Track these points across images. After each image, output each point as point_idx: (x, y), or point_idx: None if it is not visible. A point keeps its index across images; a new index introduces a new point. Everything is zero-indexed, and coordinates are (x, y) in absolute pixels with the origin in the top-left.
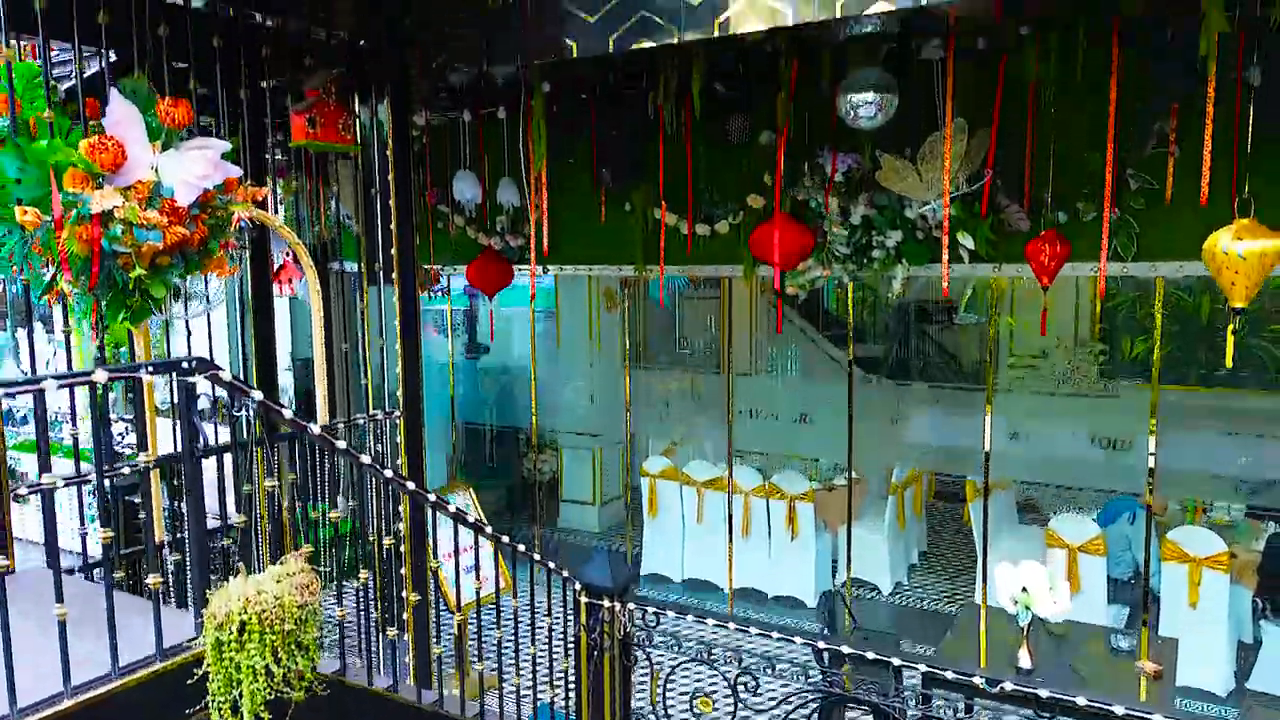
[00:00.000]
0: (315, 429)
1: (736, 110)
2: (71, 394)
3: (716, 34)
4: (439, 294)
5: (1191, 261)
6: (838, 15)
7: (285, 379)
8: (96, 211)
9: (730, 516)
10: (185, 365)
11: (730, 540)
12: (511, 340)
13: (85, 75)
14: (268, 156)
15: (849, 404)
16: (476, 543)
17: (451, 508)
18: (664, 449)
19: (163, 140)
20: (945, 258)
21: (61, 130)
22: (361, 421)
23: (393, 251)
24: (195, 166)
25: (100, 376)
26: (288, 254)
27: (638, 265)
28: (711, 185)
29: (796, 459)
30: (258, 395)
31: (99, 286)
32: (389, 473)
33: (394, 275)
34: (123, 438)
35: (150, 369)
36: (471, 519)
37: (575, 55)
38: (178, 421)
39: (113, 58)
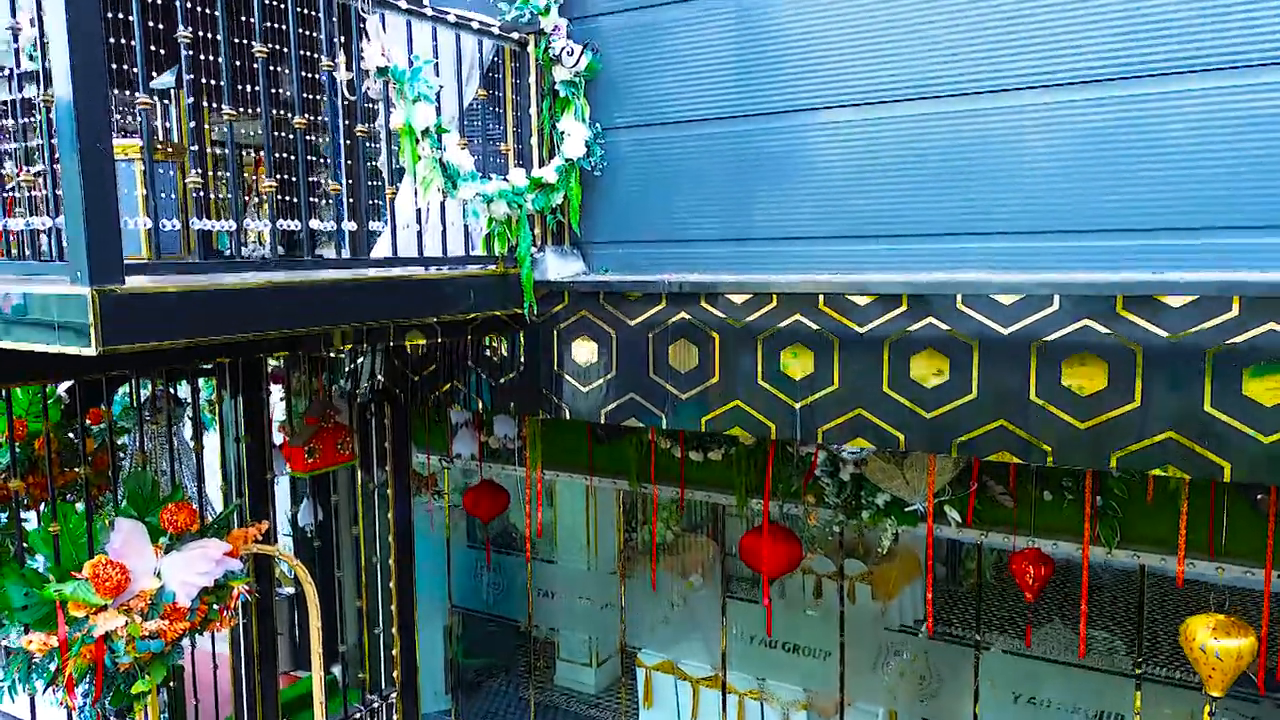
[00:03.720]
0: None
1: None
2: None
3: (703, 429)
4: (437, 496)
5: (1175, 558)
6: (819, 440)
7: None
8: (100, 634)
9: (724, 715)
10: None
11: None
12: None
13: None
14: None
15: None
16: None
17: None
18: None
19: (166, 543)
20: (929, 543)
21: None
22: (359, 716)
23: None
24: (196, 565)
25: None
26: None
27: (631, 483)
28: None
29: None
30: None
31: (103, 696)
32: None
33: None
34: None
35: None
36: None
37: (569, 417)
38: None
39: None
